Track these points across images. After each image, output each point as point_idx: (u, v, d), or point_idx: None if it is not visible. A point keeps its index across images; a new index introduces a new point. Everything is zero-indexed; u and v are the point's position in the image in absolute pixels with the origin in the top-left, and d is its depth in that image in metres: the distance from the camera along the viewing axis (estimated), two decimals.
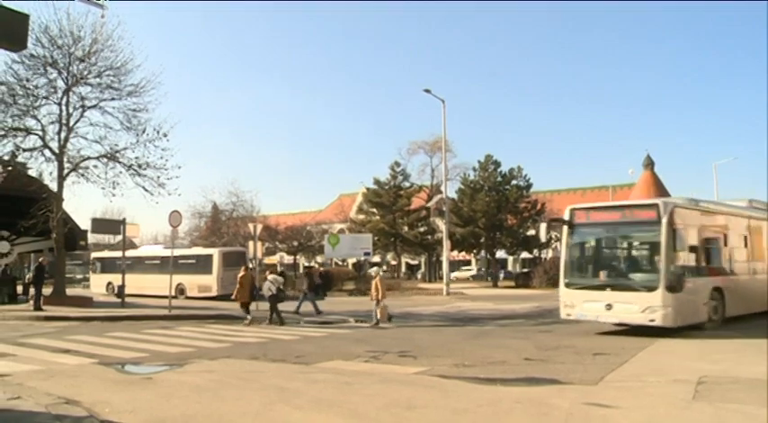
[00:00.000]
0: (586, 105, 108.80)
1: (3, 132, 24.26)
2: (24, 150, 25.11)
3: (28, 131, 24.90)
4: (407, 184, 60.08)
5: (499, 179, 52.27)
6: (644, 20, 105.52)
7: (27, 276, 27.18)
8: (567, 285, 15.84)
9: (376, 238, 51.48)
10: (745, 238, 18.09)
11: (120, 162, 25.76)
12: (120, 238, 28.01)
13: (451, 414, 7.45)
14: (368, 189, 62.29)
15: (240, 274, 20.56)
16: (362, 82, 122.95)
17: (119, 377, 10.35)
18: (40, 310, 22.57)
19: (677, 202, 15.60)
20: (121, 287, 26.77)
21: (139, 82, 25.66)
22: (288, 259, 61.38)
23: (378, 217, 60.06)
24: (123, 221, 27.02)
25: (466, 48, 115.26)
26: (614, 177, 69.74)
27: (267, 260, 52.29)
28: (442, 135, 42.16)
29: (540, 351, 12.52)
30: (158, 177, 25.71)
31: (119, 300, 26.36)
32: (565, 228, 16.26)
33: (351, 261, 60.76)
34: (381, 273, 20.61)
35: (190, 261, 32.71)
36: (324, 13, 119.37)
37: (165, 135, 25.65)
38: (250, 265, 28.78)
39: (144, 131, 25.68)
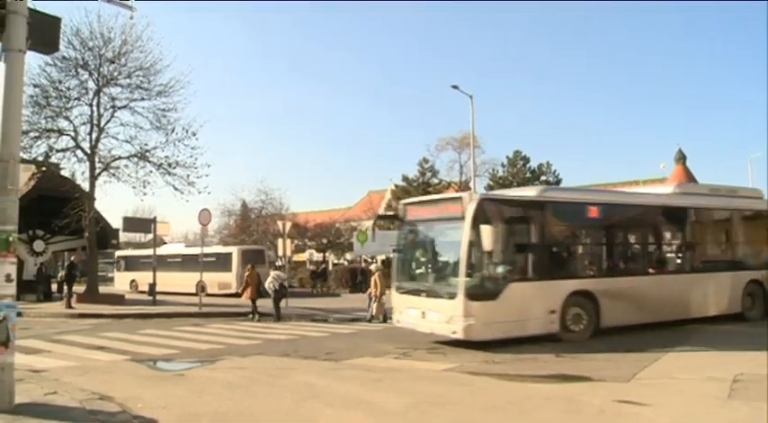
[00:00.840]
0: (618, 98, 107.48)
1: (37, 134, 24.64)
2: (57, 151, 25.50)
3: (61, 132, 25.28)
4: (436, 181, 59.80)
5: (528, 175, 51.93)
6: (675, 15, 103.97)
7: (60, 275, 27.52)
8: (397, 289, 14.39)
9: None
10: (651, 231, 16.06)
11: (150, 161, 26.03)
12: (151, 236, 28.33)
13: (480, 411, 7.42)
14: (396, 186, 62.22)
15: (246, 273, 21.36)
16: (389, 78, 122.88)
17: (151, 373, 10.48)
18: (71, 307, 22.89)
19: (488, 195, 14.14)
20: (153, 285, 27.08)
21: (168, 82, 25.89)
22: (317, 256, 61.58)
23: None
24: (154, 220, 27.35)
25: (493, 41, 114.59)
26: (646, 172, 68.74)
27: (296, 257, 52.52)
28: (470, 131, 41.84)
29: (571, 348, 12.36)
30: (188, 176, 25.94)
31: (149, 297, 26.64)
32: (401, 225, 14.92)
33: (380, 258, 60.82)
34: (382, 269, 20.49)
35: (210, 259, 32.98)
36: (348, 12, 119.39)
37: (194, 134, 25.91)
38: (279, 263, 29.00)
39: (173, 131, 25.94)
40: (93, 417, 7.02)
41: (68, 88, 25.24)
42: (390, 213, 18.25)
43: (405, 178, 60.36)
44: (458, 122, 79.77)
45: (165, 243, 46.22)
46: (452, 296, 12.26)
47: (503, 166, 53.48)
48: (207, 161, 26.64)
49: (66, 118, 25.38)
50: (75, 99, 25.50)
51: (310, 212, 68.86)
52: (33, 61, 23.59)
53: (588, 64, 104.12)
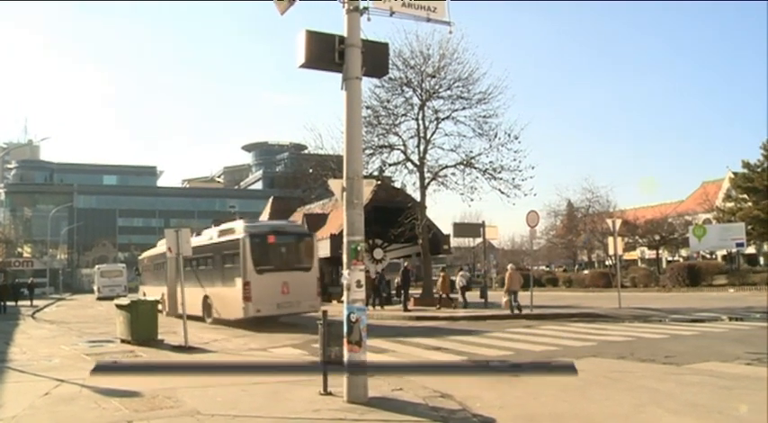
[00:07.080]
0: None
1: (371, 151, 27.04)
2: (390, 165, 27.76)
3: (392, 147, 27.47)
4: None
5: None
6: None
7: (396, 280, 29.55)
8: None
9: (749, 226, 46.50)
10: None
11: (475, 168, 26.97)
12: (479, 240, 29.28)
13: None
14: (735, 174, 56.59)
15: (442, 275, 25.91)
16: (710, 58, 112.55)
17: (487, 374, 10.76)
18: (407, 310, 24.52)
19: None
20: (484, 287, 27.82)
21: (487, 89, 26.62)
22: (649, 254, 58.55)
23: (750, 203, 54.08)
24: (482, 224, 28.12)
25: None
26: None
27: (626, 256, 50.51)
28: None
29: None
30: (513, 179, 26.37)
31: (481, 300, 27.10)
32: None
33: (720, 253, 55.74)
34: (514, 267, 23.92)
35: None
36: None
37: (517, 137, 26.26)
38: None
39: (496, 136, 26.56)
40: (435, 413, 7.45)
41: (396, 106, 27.36)
42: None
43: (746, 164, 54.29)
44: None
45: (495, 248, 47.38)
46: None
47: None
48: (531, 163, 26.79)
49: (396, 134, 27.51)
50: (403, 115, 27.51)
51: (639, 208, 66.05)
52: (364, 85, 25.88)
53: None
